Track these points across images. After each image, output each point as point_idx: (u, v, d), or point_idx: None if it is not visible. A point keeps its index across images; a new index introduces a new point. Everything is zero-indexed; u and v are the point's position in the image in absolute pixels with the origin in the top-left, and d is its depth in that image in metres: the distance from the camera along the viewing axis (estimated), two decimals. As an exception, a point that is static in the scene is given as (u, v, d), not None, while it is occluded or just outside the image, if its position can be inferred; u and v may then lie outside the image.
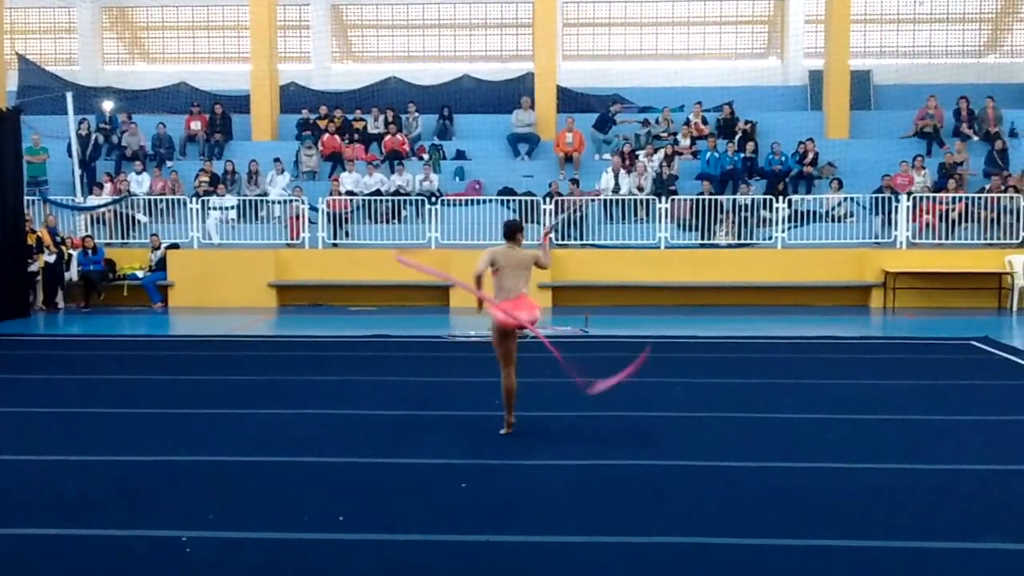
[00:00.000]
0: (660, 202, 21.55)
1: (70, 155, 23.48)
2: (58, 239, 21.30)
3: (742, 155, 23.46)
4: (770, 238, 21.49)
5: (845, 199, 21.82)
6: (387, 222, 22.31)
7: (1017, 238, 20.82)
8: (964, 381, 12.82)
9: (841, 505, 7.63)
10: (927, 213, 21.25)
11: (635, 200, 22.04)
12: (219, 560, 6.51)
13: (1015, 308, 19.75)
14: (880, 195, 21.53)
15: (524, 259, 9.83)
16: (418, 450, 9.24)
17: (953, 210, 21.19)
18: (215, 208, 22.33)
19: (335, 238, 22.00)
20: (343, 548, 6.70)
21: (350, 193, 22.54)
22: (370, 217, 22.38)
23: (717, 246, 21.53)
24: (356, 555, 6.60)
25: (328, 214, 21.98)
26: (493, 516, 7.35)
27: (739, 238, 21.61)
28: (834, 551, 6.58)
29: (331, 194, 22.36)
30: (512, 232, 9.95)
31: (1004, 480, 8.33)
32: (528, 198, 22.02)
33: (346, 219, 22.21)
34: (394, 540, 6.83)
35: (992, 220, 21.07)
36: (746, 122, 24.91)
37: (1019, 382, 12.83)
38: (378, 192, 22.65)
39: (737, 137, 24.24)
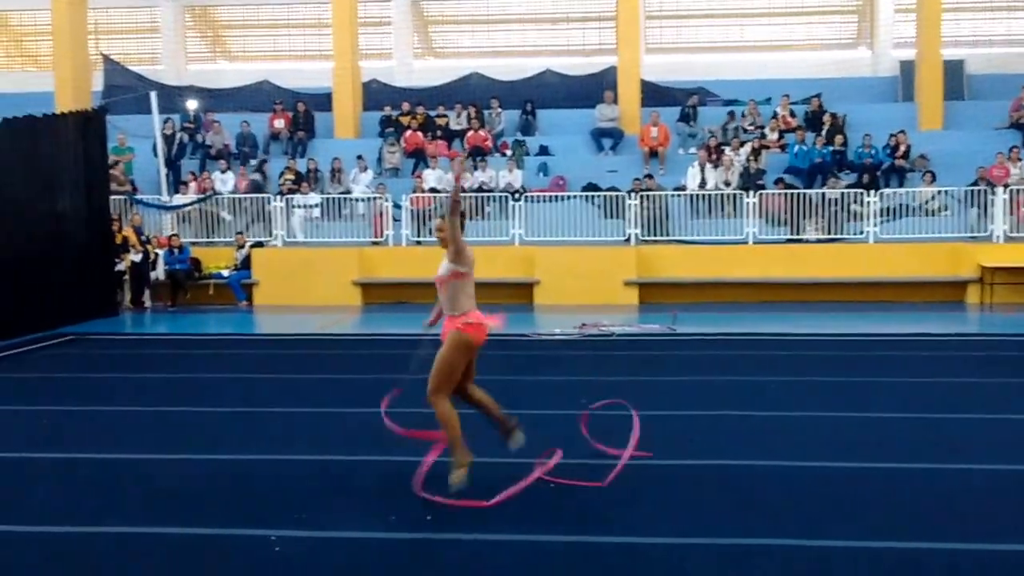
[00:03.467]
0: (747, 196, 21.17)
1: (155, 154, 23.67)
2: (144, 238, 21.48)
3: (831, 148, 22.99)
4: (861, 232, 21.00)
5: (939, 192, 21.26)
6: (471, 219, 22.14)
7: (1125, 233, 20.14)
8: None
9: (942, 506, 7.40)
10: (1025, 206, 20.64)
11: (722, 195, 21.68)
12: (309, 560, 6.45)
13: (1121, 306, 19.11)
14: (975, 188, 20.93)
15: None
16: (504, 449, 9.08)
17: (1053, 204, 20.56)
18: (299, 206, 22.38)
19: (419, 235, 21.93)
20: (430, 547, 6.62)
21: (433, 190, 22.47)
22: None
23: (806, 241, 21.09)
24: (442, 554, 6.51)
25: (412, 211, 21.92)
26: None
27: (829, 233, 21.16)
28: (937, 554, 6.35)
29: (414, 191, 22.31)
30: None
31: None
32: (613, 193, 21.76)
33: (430, 216, 22.11)
34: (473, 540, 6.71)
35: (1094, 212, 20.40)
36: (835, 114, 24.43)
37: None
38: (461, 189, 22.50)
39: (826, 130, 23.77)
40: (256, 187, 23.26)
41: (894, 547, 6.49)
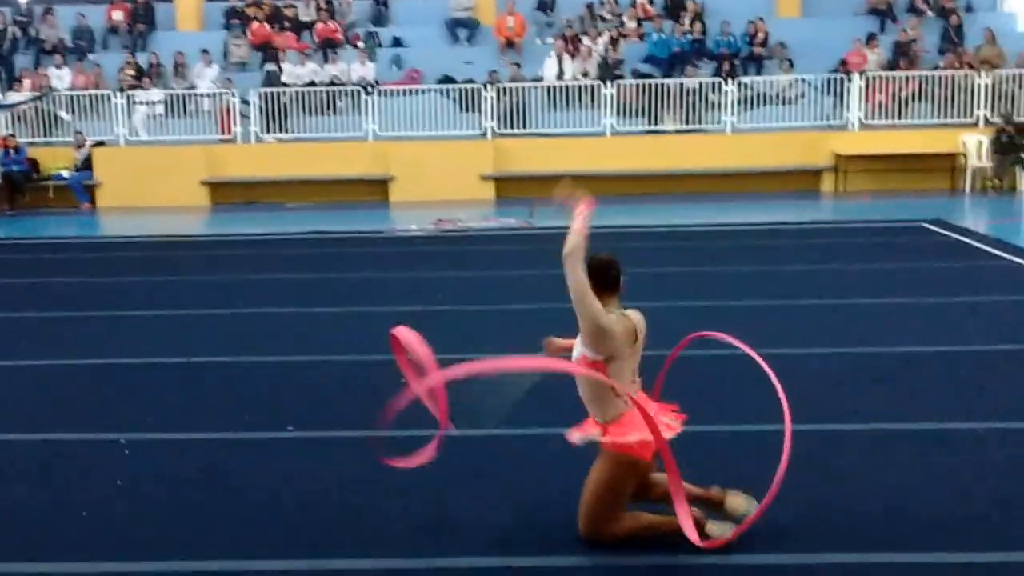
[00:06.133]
0: (605, 87, 20.88)
1: (-15, 50, 22.35)
2: (-23, 139, 20.33)
3: (690, 37, 22.75)
4: (719, 122, 20.93)
5: (796, 80, 21.26)
6: (323, 114, 21.50)
7: (971, 117, 20.40)
8: (915, 264, 12.59)
9: (789, 390, 7.32)
10: (880, 93, 20.75)
11: (579, 86, 21.35)
12: (161, 462, 6.27)
13: (968, 189, 19.41)
14: (832, 76, 20.97)
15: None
16: (360, 345, 8.90)
17: (906, 89, 20.71)
18: (141, 103, 21.38)
19: (269, 132, 21.18)
20: (286, 447, 6.50)
21: (283, 84, 21.66)
22: (305, 109, 21.53)
23: (665, 132, 20.94)
24: (302, 454, 6.37)
25: (260, 107, 21.12)
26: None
27: (687, 123, 21.04)
28: (774, 434, 6.16)
29: (263, 85, 21.48)
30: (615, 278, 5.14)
31: (952, 360, 8.25)
32: (468, 86, 21.25)
33: (279, 112, 21.36)
34: (338, 437, 6.65)
35: (946, 99, 20.60)
36: (694, 1, 24.14)
37: (969, 263, 12.60)
38: (312, 83, 21.78)
39: (685, 18, 23.48)
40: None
41: (738, 431, 6.54)
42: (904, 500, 5.46)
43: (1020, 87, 20.41)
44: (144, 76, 22.05)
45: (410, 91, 21.40)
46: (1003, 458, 6.06)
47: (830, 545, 4.94)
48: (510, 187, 20.16)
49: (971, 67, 20.69)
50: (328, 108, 21.41)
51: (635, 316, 5.08)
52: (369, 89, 21.13)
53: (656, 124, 21.02)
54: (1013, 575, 4.61)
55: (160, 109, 21.54)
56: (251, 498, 5.66)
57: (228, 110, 21.12)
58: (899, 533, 5.06)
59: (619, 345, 4.91)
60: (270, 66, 22.13)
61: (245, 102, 21.10)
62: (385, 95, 21.14)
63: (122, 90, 21.58)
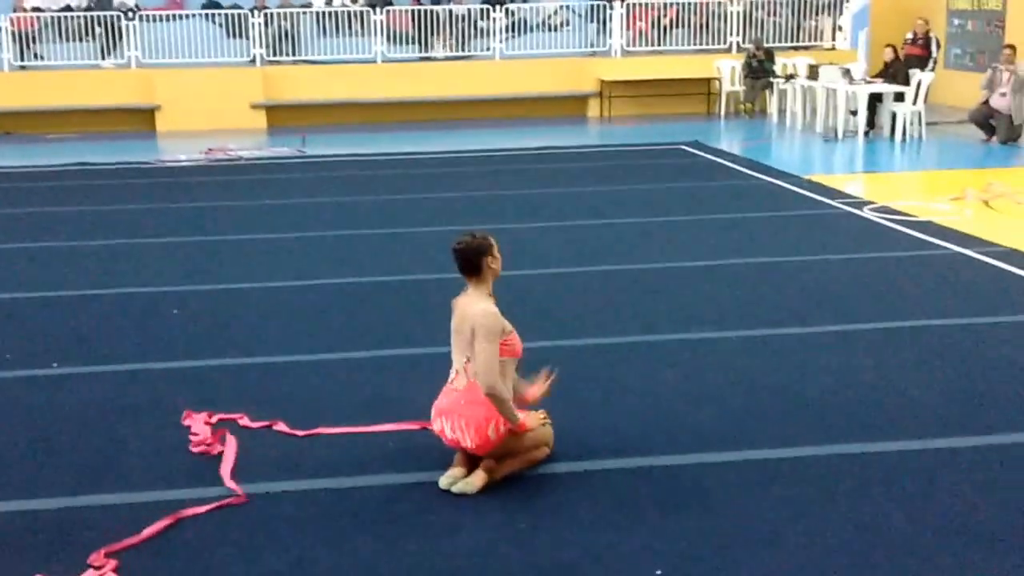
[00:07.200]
0: (375, 14, 20.80)
1: None
2: None
3: (458, -37, 22.84)
4: (488, 49, 21.18)
5: (561, 7, 21.66)
6: (81, 40, 20.67)
7: (724, 44, 21.28)
8: (675, 184, 13.19)
9: (560, 306, 7.90)
10: (640, 20, 21.38)
11: (348, 12, 21.20)
12: None
13: (722, 112, 20.29)
14: (595, 3, 21.46)
15: (467, 319, 5.02)
16: (128, 278, 8.81)
17: (665, 17, 21.40)
18: None
19: (23, 59, 20.26)
20: (54, 383, 6.37)
21: (37, 10, 20.72)
22: (62, 35, 20.67)
23: (435, 59, 21.06)
24: (67, 390, 6.27)
25: (13, 33, 20.16)
26: (206, 339, 7.17)
27: (457, 50, 21.20)
28: (553, 351, 6.53)
29: (15, 10, 20.50)
30: (467, 261, 5.20)
31: (709, 273, 8.80)
32: (235, 11, 20.79)
33: (35, 38, 20.45)
34: (108, 371, 6.55)
35: (702, 26, 21.42)
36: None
37: (724, 182, 13.25)
38: (69, 8, 20.90)
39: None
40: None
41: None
42: (672, 406, 5.87)
43: (768, 14, 21.43)
44: None
45: (173, 16, 20.79)
46: (758, 364, 6.54)
47: (604, 453, 5.25)
48: (282, 115, 19.91)
49: (725, -5, 21.57)
50: (87, 34, 20.60)
51: (458, 300, 5.16)
52: (130, 14, 20.44)
53: (427, 51, 21.11)
54: (769, 470, 5.05)
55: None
56: (8, 438, 5.55)
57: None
58: (668, 437, 5.44)
59: None
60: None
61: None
62: (147, 20, 20.49)
63: None
